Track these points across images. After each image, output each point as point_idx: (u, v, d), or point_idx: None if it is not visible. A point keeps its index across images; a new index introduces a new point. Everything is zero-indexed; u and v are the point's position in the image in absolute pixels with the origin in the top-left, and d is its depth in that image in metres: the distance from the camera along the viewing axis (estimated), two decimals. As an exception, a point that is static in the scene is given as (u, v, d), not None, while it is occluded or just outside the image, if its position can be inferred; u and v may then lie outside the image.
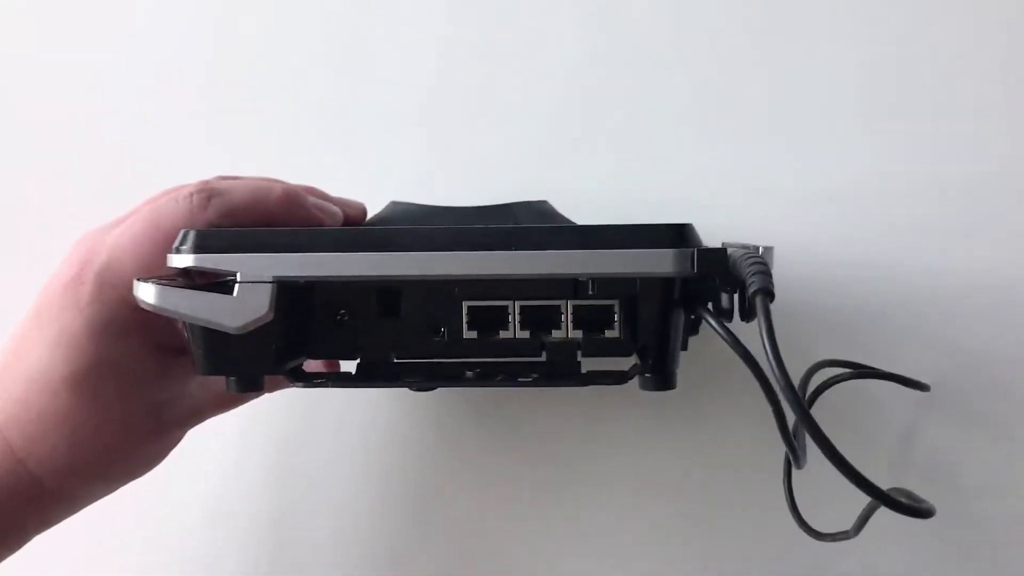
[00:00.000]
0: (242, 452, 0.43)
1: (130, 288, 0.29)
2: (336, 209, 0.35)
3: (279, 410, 0.42)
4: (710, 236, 0.31)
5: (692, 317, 0.37)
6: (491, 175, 0.43)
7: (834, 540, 0.34)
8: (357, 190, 0.38)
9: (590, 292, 0.29)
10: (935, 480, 0.40)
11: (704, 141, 0.42)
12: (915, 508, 0.26)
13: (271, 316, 0.28)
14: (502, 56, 0.43)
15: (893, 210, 0.41)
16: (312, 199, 0.34)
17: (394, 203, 0.38)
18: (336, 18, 0.44)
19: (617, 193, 0.42)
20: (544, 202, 0.38)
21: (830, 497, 0.36)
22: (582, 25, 0.43)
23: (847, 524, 0.33)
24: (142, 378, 0.32)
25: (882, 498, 0.25)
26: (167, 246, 0.30)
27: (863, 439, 0.40)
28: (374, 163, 0.43)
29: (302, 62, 0.44)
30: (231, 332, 0.28)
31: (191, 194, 0.31)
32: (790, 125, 0.42)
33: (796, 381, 0.33)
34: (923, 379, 0.38)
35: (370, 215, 0.38)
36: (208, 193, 0.31)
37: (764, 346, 0.26)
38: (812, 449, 0.31)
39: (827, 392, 0.36)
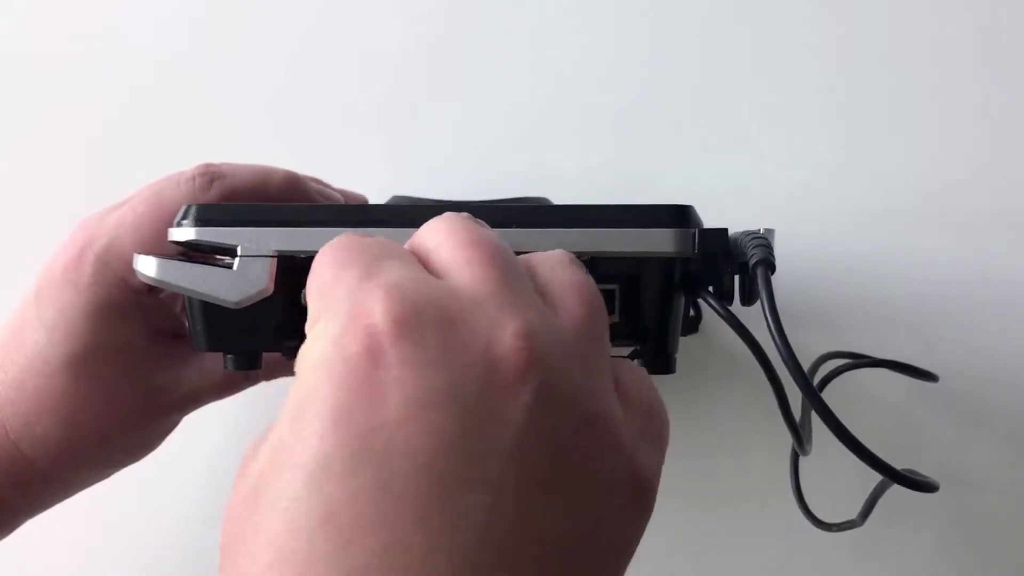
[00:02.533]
0: (238, 440, 0.42)
1: (130, 270, 0.29)
2: (339, 196, 0.35)
3: (276, 398, 0.42)
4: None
5: (691, 310, 0.37)
6: (492, 171, 0.43)
7: (841, 530, 0.33)
8: (359, 186, 0.39)
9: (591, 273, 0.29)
10: (941, 473, 0.39)
11: (704, 136, 0.42)
12: (920, 482, 0.25)
13: (271, 290, 0.28)
14: (505, 53, 0.44)
15: (900, 204, 0.41)
16: (314, 185, 0.34)
17: (396, 197, 0.38)
18: (337, 9, 0.45)
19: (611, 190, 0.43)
20: (544, 199, 0.38)
21: (834, 489, 0.36)
22: (575, 25, 0.43)
23: (852, 515, 0.33)
24: (140, 361, 0.32)
25: (889, 472, 0.25)
26: (168, 228, 0.30)
27: (869, 431, 0.39)
28: (377, 158, 0.44)
29: (302, 56, 0.44)
30: (230, 306, 0.28)
31: (193, 176, 0.31)
32: (792, 120, 0.42)
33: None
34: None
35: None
36: (210, 176, 0.31)
37: (765, 316, 0.26)
38: (817, 439, 0.31)
39: (832, 384, 0.35)
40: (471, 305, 0.19)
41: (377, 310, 0.18)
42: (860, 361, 0.35)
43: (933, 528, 0.40)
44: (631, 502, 0.20)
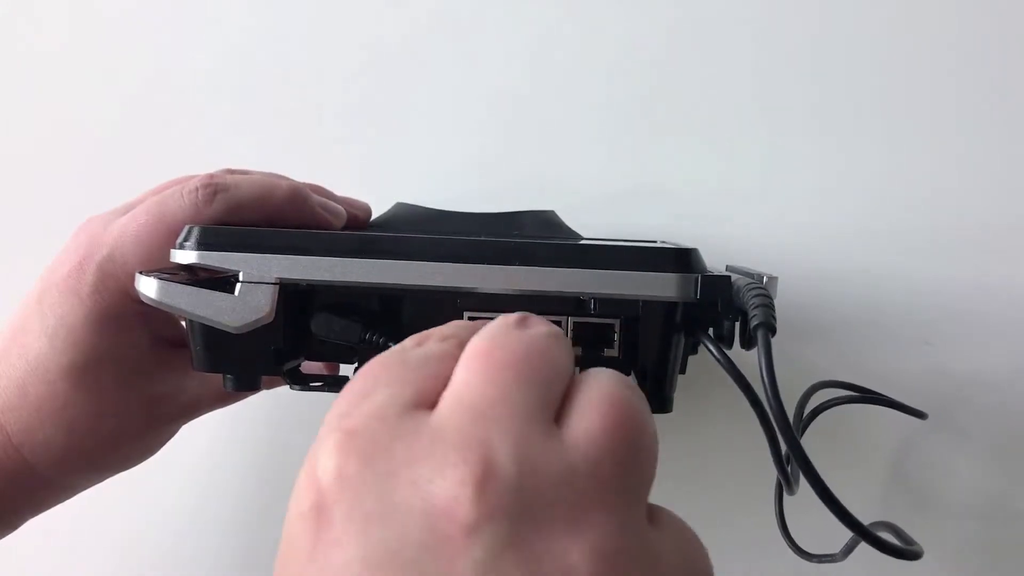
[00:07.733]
0: (234, 445, 0.43)
1: (132, 280, 0.29)
2: (341, 209, 0.34)
3: (274, 406, 0.42)
4: (709, 250, 0.31)
5: (692, 342, 0.37)
6: (497, 176, 0.43)
7: (821, 562, 0.34)
8: (363, 190, 0.38)
9: (592, 310, 0.29)
10: (929, 506, 0.40)
11: (707, 147, 0.42)
12: (901, 549, 0.25)
13: (272, 317, 0.28)
14: (510, 56, 0.43)
15: (901, 221, 0.41)
16: (317, 198, 0.33)
17: (400, 204, 0.38)
18: (339, 11, 0.44)
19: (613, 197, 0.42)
20: (551, 212, 0.38)
21: (823, 515, 0.36)
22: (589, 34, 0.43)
23: (840, 542, 0.33)
24: (140, 370, 0.32)
25: (868, 537, 0.25)
26: (171, 239, 0.29)
27: (858, 462, 0.40)
28: (381, 164, 0.43)
29: (310, 59, 0.44)
30: (231, 331, 0.28)
31: (197, 188, 0.31)
32: (795, 135, 0.41)
33: (793, 402, 0.33)
34: (920, 405, 0.38)
35: (376, 215, 0.38)
36: (214, 188, 0.31)
37: (763, 381, 0.26)
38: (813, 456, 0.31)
39: (824, 413, 0.36)
40: (427, 443, 0.17)
41: (323, 462, 0.17)
42: (850, 396, 0.35)
43: (920, 562, 0.40)
44: None
